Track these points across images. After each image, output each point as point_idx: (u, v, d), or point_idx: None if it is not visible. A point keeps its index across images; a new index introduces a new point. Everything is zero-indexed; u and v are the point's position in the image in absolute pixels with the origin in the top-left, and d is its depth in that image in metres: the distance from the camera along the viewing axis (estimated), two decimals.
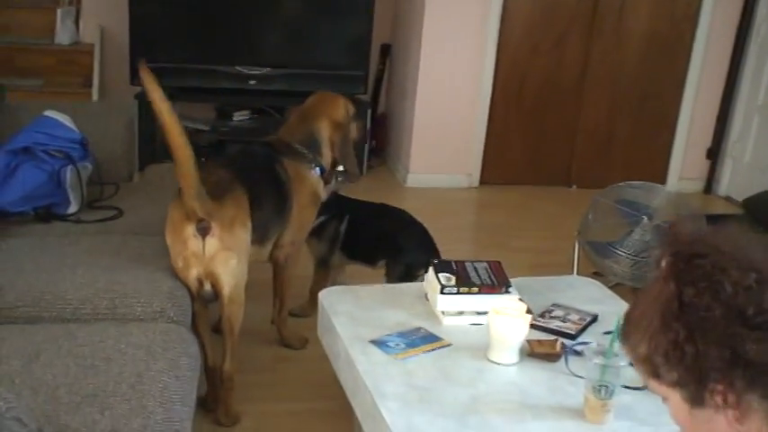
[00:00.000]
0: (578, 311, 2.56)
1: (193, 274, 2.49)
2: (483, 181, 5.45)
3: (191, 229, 2.44)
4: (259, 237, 2.75)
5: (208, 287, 2.53)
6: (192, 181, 2.37)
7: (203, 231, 2.45)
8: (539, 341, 2.31)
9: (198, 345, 2.31)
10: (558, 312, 2.54)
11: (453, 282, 2.47)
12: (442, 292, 2.44)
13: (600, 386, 1.97)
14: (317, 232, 3.31)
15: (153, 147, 4.74)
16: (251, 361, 2.99)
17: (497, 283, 2.49)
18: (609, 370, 1.97)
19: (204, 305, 2.63)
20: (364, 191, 5.13)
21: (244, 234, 2.58)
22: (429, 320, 2.45)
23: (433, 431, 1.92)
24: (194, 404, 2.04)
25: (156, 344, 2.07)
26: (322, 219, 3.30)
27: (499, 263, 2.62)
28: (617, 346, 2.04)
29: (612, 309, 2.62)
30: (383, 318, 2.45)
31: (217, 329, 2.78)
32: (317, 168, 3.05)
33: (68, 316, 2.28)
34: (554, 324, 2.46)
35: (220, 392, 2.67)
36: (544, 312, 2.53)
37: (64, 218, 2.91)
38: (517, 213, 5.06)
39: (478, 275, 2.52)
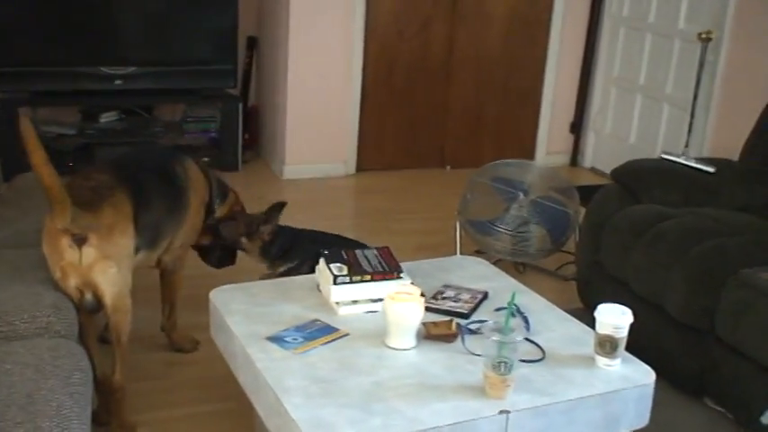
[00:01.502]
0: (469, 290, 2.60)
1: (72, 283, 2.41)
2: (360, 168, 5.47)
3: (66, 240, 2.37)
4: (149, 240, 2.68)
5: (89, 297, 2.45)
6: (62, 205, 2.29)
7: (79, 242, 2.37)
8: (434, 323, 2.34)
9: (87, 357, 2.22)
10: (450, 293, 2.58)
11: (345, 271, 2.46)
12: (335, 283, 2.44)
13: (499, 362, 2.02)
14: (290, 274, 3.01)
15: (17, 155, 4.52)
16: (142, 368, 2.91)
17: (389, 269, 2.51)
18: (506, 346, 2.02)
19: (89, 315, 2.54)
20: (241, 185, 5.07)
21: (123, 240, 2.51)
22: (324, 312, 2.44)
23: (340, 422, 1.91)
24: (90, 420, 1.96)
25: (45, 361, 1.98)
26: (290, 265, 3.07)
27: (388, 249, 2.64)
28: (512, 321, 2.10)
29: (501, 285, 2.69)
30: (278, 313, 2.42)
31: (104, 339, 2.68)
32: None
33: None
34: (447, 305, 2.50)
35: (112, 404, 2.58)
36: (436, 294, 2.56)
37: None
38: (396, 197, 5.11)
39: (369, 263, 2.53)
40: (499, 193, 3.85)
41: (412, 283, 2.42)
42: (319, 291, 2.55)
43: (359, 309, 2.45)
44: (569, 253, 3.90)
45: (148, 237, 2.66)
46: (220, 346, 2.48)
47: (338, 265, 2.49)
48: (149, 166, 2.81)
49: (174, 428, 2.67)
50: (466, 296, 2.56)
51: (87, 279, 2.41)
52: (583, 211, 3.66)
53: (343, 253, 2.56)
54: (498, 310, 2.48)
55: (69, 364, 2.00)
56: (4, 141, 4.41)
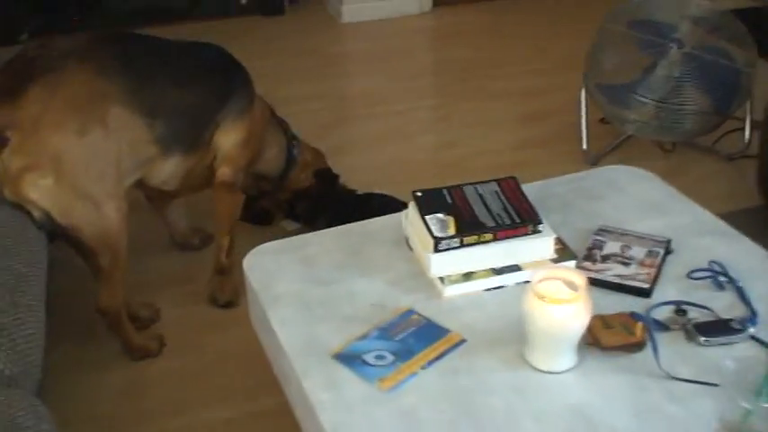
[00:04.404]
0: (640, 238, 1.67)
1: (7, 195, 1.81)
2: (437, 1, 4.36)
3: None
4: (176, 136, 2.01)
5: (36, 214, 1.82)
6: None
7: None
8: (605, 322, 1.42)
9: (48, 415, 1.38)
10: (612, 246, 1.66)
11: (452, 228, 1.55)
12: (436, 249, 1.53)
13: None
14: None
15: None
16: (174, 339, 2.12)
17: (519, 219, 1.58)
18: (759, 413, 1.13)
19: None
20: (289, 34, 4.08)
21: (60, 138, 1.79)
22: (420, 289, 1.57)
23: None
24: None
25: None
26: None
27: (515, 180, 1.70)
28: None
29: (685, 219, 1.77)
30: (349, 294, 1.57)
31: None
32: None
33: None
34: (613, 272, 1.58)
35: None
36: (591, 249, 1.65)
37: None
38: (487, 41, 4.01)
39: (487, 208, 1.61)
40: (640, 45, 2.80)
41: (576, 265, 1.52)
42: (408, 247, 1.66)
43: (475, 286, 1.56)
44: (736, 118, 2.87)
45: (173, 131, 2.00)
46: (267, 351, 1.63)
47: (439, 216, 1.58)
48: (177, 42, 2.13)
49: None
50: (638, 252, 1.64)
51: (20, 195, 1.80)
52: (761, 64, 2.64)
53: (444, 193, 1.65)
54: (694, 275, 1.56)
55: None
56: None
